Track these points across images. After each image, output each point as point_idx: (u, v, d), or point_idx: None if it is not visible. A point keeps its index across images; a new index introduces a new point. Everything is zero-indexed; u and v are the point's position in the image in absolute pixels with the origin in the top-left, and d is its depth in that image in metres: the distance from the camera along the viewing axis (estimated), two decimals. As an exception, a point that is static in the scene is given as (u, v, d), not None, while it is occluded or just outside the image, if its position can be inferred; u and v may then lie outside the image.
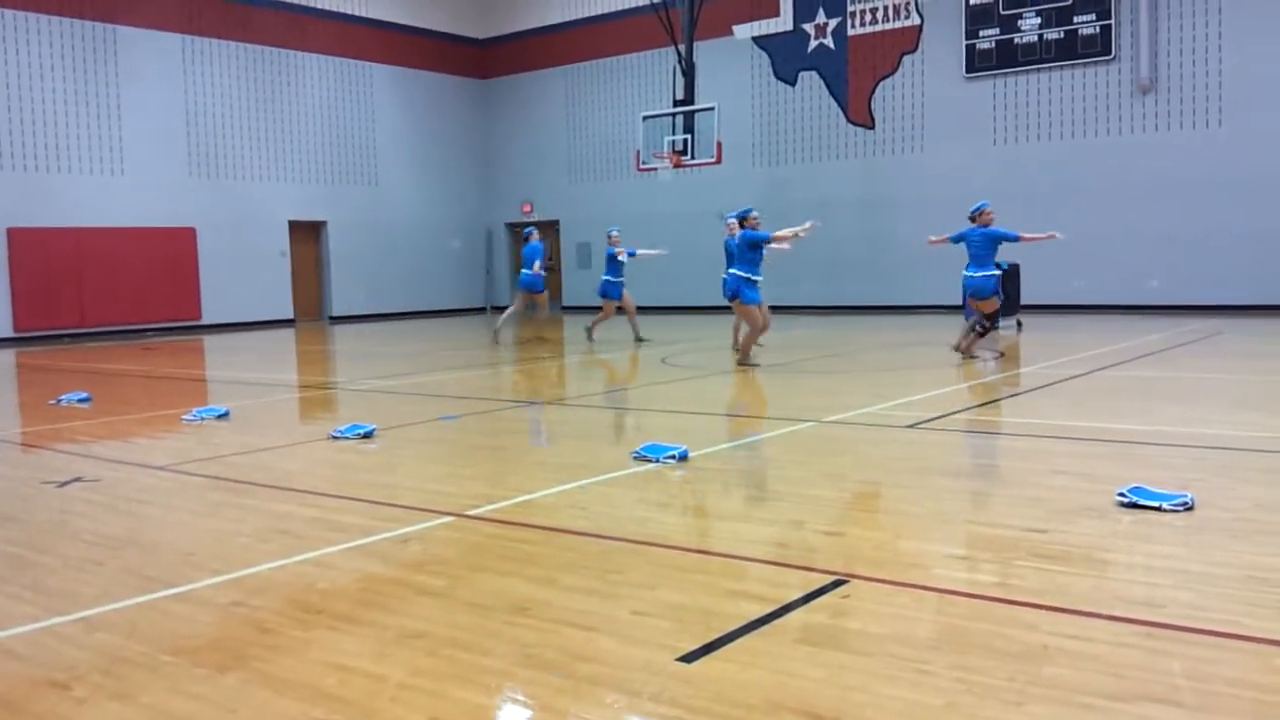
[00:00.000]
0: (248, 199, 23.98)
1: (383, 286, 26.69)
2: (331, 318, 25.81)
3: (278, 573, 4.37)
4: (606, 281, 16.11)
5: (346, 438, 7.67)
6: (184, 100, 22.85)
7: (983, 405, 8.95)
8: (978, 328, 12.27)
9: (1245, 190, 18.56)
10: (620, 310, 16.49)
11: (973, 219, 12.18)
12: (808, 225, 11.81)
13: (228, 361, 16.01)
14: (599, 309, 16.71)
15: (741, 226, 11.96)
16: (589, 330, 16.36)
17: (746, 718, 2.85)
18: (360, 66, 26.29)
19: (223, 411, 9.14)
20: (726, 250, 13.61)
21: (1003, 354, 12.90)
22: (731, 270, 12.04)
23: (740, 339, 12.61)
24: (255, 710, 3.02)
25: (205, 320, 23.10)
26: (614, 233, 16.24)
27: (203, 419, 8.92)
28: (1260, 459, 6.20)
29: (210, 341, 20.06)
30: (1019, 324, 16.55)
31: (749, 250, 11.73)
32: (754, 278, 11.76)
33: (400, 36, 27.16)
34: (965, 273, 12.22)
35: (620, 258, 16.00)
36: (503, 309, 28.95)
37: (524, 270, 16.74)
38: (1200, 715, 2.79)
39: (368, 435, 7.73)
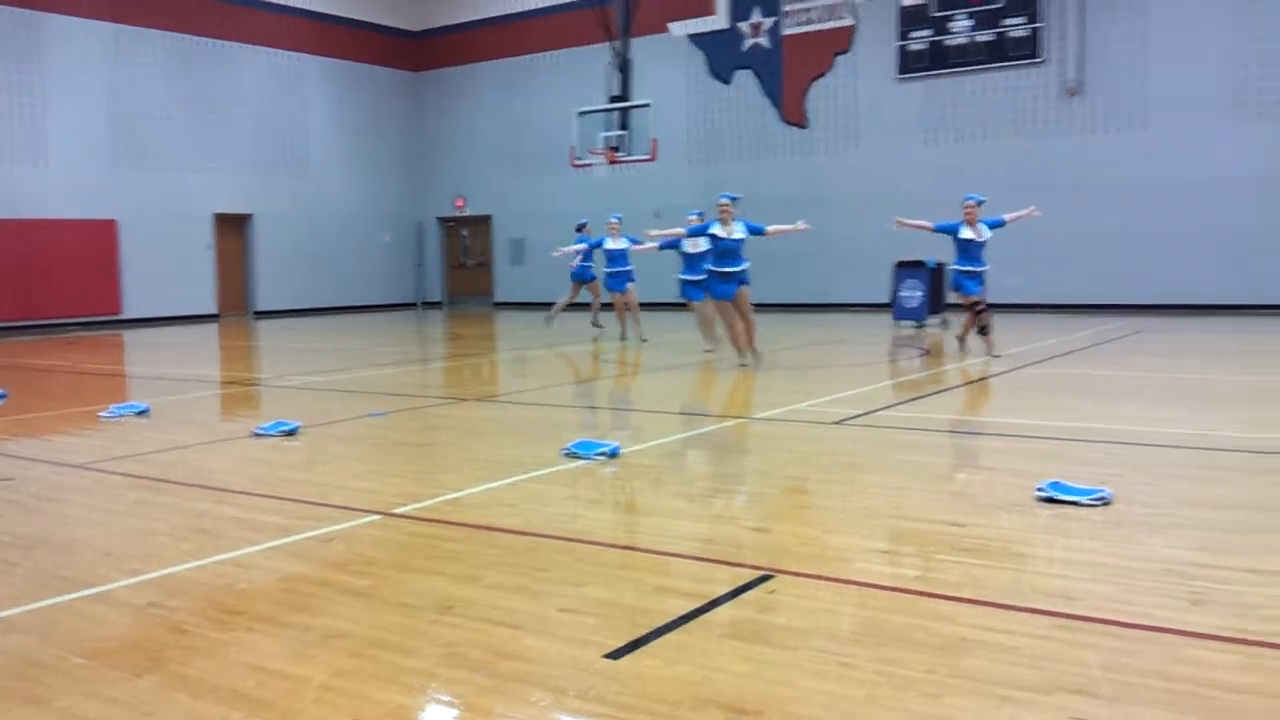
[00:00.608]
0: (173, 191, 23.46)
1: (311, 281, 26.29)
2: (257, 313, 25.38)
3: (197, 573, 4.29)
4: (607, 274, 15.23)
5: (270, 435, 7.55)
6: (109, 90, 22.31)
7: (908, 402, 9.07)
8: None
9: (1167, 193, 19.04)
10: (574, 300, 16.14)
11: None
12: (800, 225, 11.30)
13: (149, 357, 15.67)
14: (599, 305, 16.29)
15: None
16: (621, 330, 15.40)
17: (673, 713, 2.85)
18: (292, 58, 25.88)
19: (143, 408, 8.95)
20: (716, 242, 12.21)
21: (928, 351, 13.09)
22: (724, 267, 11.28)
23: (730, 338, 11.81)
24: (172, 714, 2.96)
25: (126, 315, 22.58)
26: (613, 220, 15.47)
27: (122, 416, 8.72)
28: (1176, 455, 6.37)
29: (131, 336, 19.62)
30: (944, 322, 16.80)
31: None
32: (723, 270, 11.24)
33: (333, 28, 26.80)
34: None
35: (610, 245, 15.06)
36: (435, 304, 28.88)
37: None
38: (1115, 705, 2.85)
39: (292, 432, 7.61)
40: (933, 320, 16.80)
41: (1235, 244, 18.55)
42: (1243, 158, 18.45)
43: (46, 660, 3.36)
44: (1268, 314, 17.78)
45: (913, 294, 16.31)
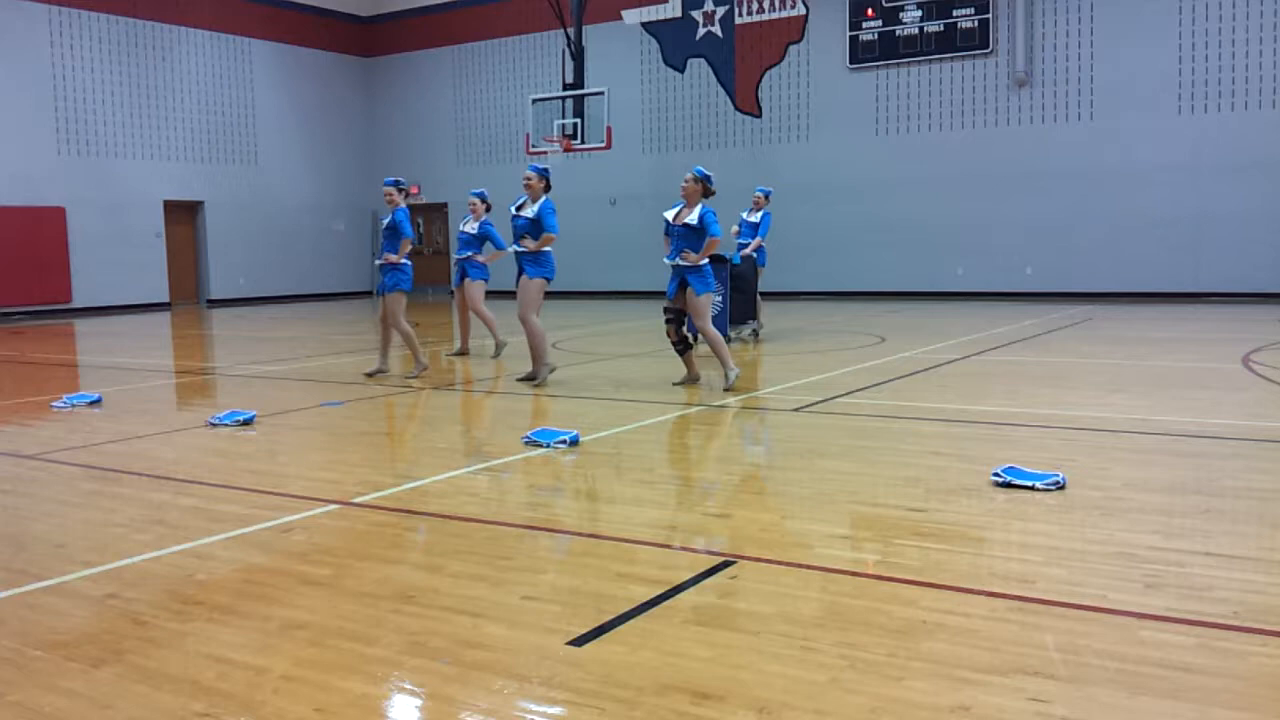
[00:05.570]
0: (121, 178, 23.11)
1: (263, 269, 26.03)
2: (209, 301, 25.07)
3: (154, 564, 4.23)
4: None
5: (225, 424, 7.47)
6: (52, 75, 21.88)
7: (864, 389, 9.14)
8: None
9: (1111, 182, 19.34)
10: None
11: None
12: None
13: (100, 346, 15.42)
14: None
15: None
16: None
17: (636, 699, 2.86)
18: (239, 42, 25.53)
19: (95, 398, 8.81)
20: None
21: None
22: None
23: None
24: (131, 705, 2.92)
25: (76, 303, 22.23)
26: (472, 197, 12.57)
27: (74, 406, 8.59)
28: (1128, 440, 6.47)
29: (81, 325, 19.29)
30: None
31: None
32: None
33: (281, 12, 26.45)
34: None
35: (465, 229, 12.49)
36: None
37: None
38: (1072, 686, 2.90)
39: (248, 422, 7.53)
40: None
41: (1175, 232, 18.92)
42: (1183, 147, 18.80)
43: (0, 653, 3.30)
44: (1209, 301, 18.12)
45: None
